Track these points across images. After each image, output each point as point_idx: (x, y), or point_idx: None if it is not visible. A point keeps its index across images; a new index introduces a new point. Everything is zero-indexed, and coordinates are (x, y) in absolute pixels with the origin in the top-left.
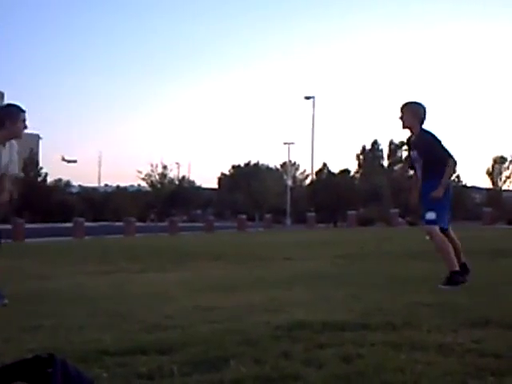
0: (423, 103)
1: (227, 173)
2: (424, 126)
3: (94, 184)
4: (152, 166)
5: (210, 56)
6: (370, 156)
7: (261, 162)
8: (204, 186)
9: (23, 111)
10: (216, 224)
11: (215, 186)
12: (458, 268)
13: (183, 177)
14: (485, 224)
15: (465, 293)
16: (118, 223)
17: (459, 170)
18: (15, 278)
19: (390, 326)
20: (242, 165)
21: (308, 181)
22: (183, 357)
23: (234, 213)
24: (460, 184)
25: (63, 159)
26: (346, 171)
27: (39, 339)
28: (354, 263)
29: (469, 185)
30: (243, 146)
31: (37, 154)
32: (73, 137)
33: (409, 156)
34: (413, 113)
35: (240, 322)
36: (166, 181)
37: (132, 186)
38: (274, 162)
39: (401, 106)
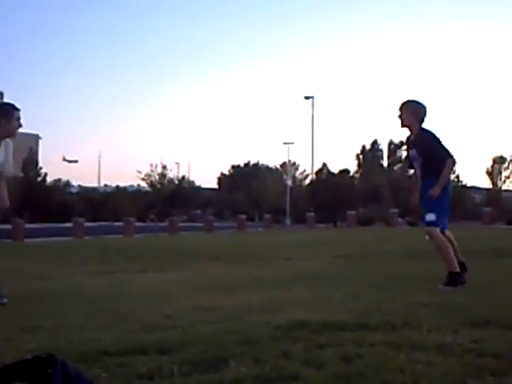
0: (423, 102)
1: (227, 173)
2: (424, 126)
3: (94, 184)
4: (152, 165)
5: (210, 56)
6: (369, 156)
7: (260, 162)
8: (204, 186)
9: (17, 109)
10: (216, 224)
11: (215, 186)
12: (458, 269)
13: (183, 177)
14: (484, 224)
15: (464, 293)
16: (117, 223)
17: (459, 169)
18: (15, 277)
19: (389, 326)
20: (242, 165)
21: (308, 181)
22: (183, 357)
23: (233, 213)
24: (460, 184)
25: (64, 159)
26: (346, 171)
27: (39, 339)
28: (353, 263)
29: (468, 185)
30: (243, 146)
31: (36, 153)
32: (73, 137)
33: (408, 155)
34: (411, 111)
35: (240, 322)
36: (165, 181)
37: (132, 186)
38: (273, 161)
39: (400, 104)
